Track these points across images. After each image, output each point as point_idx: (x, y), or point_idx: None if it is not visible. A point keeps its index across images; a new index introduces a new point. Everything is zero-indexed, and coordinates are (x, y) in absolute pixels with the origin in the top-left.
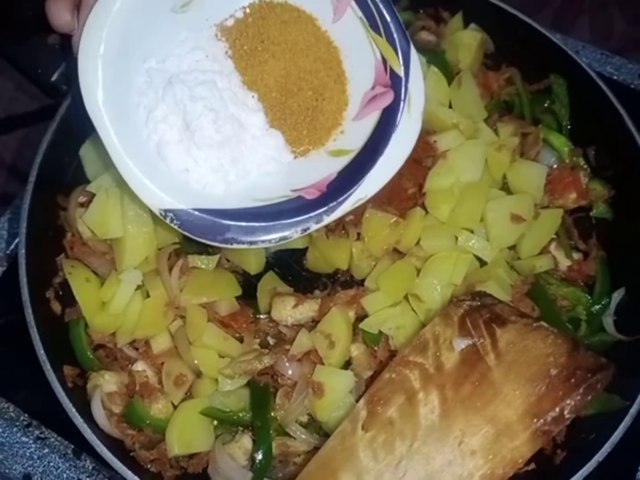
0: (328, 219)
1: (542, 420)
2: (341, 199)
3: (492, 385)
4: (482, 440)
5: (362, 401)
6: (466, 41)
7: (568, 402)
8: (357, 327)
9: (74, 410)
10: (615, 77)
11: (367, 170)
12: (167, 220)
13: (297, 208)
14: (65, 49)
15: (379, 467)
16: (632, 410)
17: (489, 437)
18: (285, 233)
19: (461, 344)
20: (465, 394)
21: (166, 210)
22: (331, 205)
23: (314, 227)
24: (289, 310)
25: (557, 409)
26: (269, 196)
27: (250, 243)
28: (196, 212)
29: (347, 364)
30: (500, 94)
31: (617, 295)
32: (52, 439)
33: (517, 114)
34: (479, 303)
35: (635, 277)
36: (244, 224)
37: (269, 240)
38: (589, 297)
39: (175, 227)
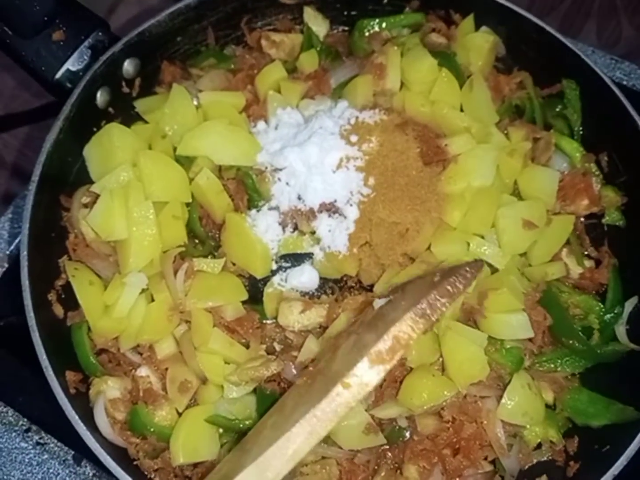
0: None
1: (419, 305)
2: None
3: (395, 309)
4: (375, 335)
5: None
6: (478, 44)
7: (440, 287)
8: None
9: (76, 417)
10: (625, 83)
11: None
12: None
13: None
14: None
15: None
16: None
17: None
18: None
19: (380, 302)
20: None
21: None
22: None
23: None
24: (296, 315)
25: (431, 294)
26: None
27: None
28: None
29: None
30: (511, 98)
31: (629, 304)
32: (52, 445)
33: (528, 119)
34: None
35: None
36: None
37: None
38: (601, 306)
39: None
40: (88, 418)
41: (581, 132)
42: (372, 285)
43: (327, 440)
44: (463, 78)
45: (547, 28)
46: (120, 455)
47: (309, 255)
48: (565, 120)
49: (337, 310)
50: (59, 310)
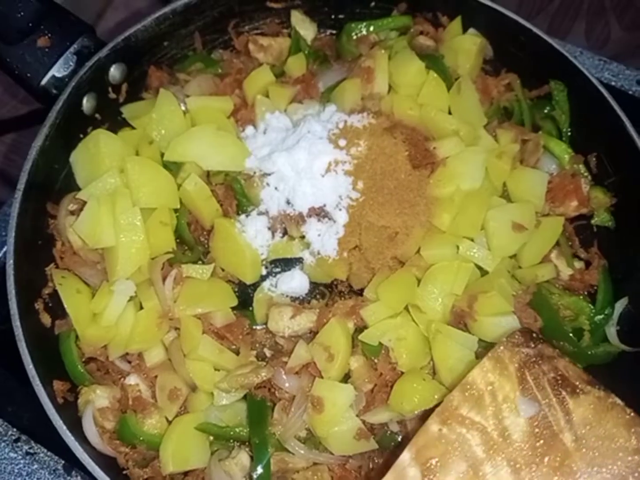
0: None
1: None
2: None
3: (572, 476)
4: None
5: (407, 455)
6: (465, 46)
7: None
8: (356, 338)
9: (64, 428)
10: (613, 83)
11: None
12: None
13: None
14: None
15: None
16: None
17: None
18: None
19: (528, 409)
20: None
21: None
22: None
23: None
24: (286, 321)
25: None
26: None
27: None
28: None
29: (346, 377)
30: (499, 100)
31: (619, 305)
32: (42, 454)
33: (516, 121)
34: (535, 350)
35: (638, 287)
36: None
37: None
38: (591, 307)
39: None
40: (76, 428)
41: (570, 134)
42: (362, 290)
43: (319, 446)
44: (451, 81)
45: (535, 30)
46: (110, 464)
47: (298, 260)
48: (553, 121)
49: (328, 315)
50: (46, 319)
